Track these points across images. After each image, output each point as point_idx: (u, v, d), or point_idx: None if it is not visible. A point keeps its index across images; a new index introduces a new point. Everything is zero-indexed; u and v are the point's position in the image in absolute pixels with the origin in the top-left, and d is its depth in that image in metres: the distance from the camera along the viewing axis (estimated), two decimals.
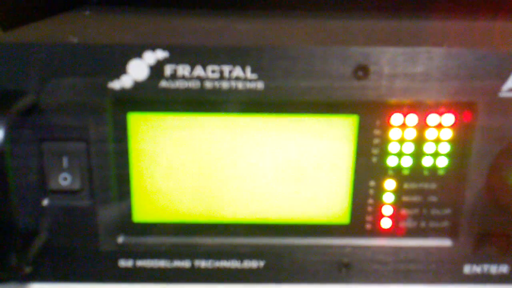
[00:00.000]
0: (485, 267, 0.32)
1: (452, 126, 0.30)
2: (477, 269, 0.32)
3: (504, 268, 0.32)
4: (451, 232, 0.32)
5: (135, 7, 0.42)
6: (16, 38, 0.28)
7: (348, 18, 0.39)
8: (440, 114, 0.29)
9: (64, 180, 0.29)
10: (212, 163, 0.30)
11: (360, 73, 0.28)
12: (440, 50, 0.28)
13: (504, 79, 0.28)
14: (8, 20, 0.35)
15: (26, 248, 0.28)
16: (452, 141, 0.30)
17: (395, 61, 0.28)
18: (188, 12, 0.41)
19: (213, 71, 0.28)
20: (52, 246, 0.30)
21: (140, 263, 0.31)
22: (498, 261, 0.32)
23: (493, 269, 0.32)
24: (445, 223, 0.32)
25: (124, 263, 0.31)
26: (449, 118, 0.29)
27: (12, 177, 0.25)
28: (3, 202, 0.25)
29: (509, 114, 0.29)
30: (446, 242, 0.32)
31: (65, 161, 0.29)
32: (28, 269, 0.27)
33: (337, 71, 0.28)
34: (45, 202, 0.30)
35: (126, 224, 0.31)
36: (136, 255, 0.31)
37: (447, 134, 0.30)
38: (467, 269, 0.32)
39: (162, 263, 0.31)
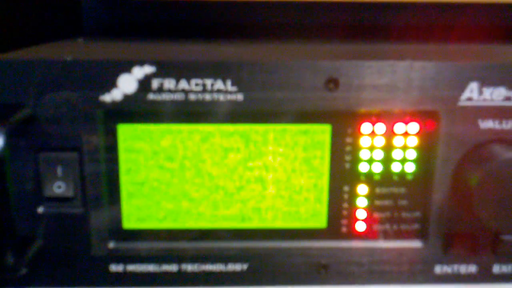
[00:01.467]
0: (455, 267, 0.34)
1: (417, 134, 0.32)
2: (447, 269, 0.34)
3: (472, 268, 0.34)
4: (422, 234, 0.34)
5: (127, 37, 0.45)
6: (13, 56, 0.30)
7: (318, 43, 0.43)
8: (406, 122, 0.32)
9: (59, 188, 0.31)
10: (197, 172, 0.32)
11: (331, 85, 0.31)
12: (403, 64, 0.30)
13: (462, 89, 0.31)
14: (2, 45, 0.37)
15: (23, 252, 0.30)
16: (418, 148, 0.32)
17: (362, 73, 0.30)
18: (175, 40, 0.44)
19: (196, 84, 0.30)
20: (46, 251, 0.32)
21: (130, 267, 0.33)
22: (467, 261, 0.34)
23: (463, 269, 0.34)
24: (416, 226, 0.34)
25: (115, 267, 0.33)
26: (414, 126, 0.32)
27: (11, 182, 0.27)
28: (2, 206, 0.28)
29: (468, 121, 0.31)
30: (417, 244, 0.34)
31: (59, 170, 0.31)
32: (24, 270, 0.29)
33: (310, 83, 0.30)
34: (41, 209, 0.32)
35: (116, 230, 0.33)
36: (126, 260, 0.33)
37: (413, 141, 0.32)
38: (438, 269, 0.34)
39: (151, 267, 0.33)
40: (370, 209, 0.33)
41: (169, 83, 0.30)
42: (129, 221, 0.33)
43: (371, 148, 0.32)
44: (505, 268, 0.34)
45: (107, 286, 0.33)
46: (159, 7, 0.62)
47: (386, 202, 0.33)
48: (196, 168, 0.32)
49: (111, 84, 0.30)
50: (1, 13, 0.38)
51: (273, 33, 0.54)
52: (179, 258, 0.33)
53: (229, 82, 0.30)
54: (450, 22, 0.61)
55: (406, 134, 0.32)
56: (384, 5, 0.60)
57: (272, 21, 0.62)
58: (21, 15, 0.43)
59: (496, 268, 0.34)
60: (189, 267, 0.33)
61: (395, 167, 0.33)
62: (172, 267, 0.33)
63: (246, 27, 0.58)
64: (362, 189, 0.33)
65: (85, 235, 0.32)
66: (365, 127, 0.32)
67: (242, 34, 0.52)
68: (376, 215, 0.34)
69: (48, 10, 0.49)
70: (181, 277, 0.34)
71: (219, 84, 0.30)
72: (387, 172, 0.33)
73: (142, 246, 0.33)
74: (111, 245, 0.33)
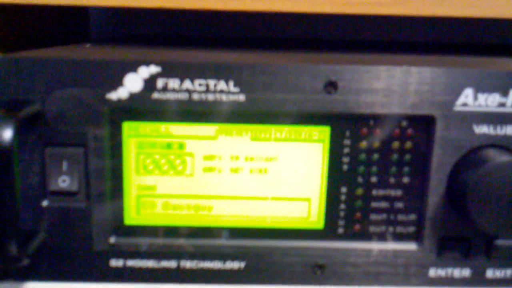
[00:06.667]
0: (449, 271, 0.35)
1: (414, 137, 0.33)
2: (441, 272, 0.35)
3: (466, 272, 0.35)
4: (417, 237, 0.34)
5: (132, 44, 0.46)
6: (23, 55, 0.31)
7: (319, 52, 0.44)
8: (403, 126, 0.33)
9: (63, 182, 0.32)
10: (197, 170, 0.33)
11: (330, 88, 0.31)
12: (400, 69, 0.31)
13: (457, 95, 0.32)
14: (9, 48, 0.39)
15: (26, 244, 0.31)
16: (414, 151, 0.33)
17: (361, 77, 0.31)
18: (180, 47, 0.45)
19: (200, 85, 0.31)
20: (48, 245, 0.33)
21: (130, 263, 0.34)
22: (461, 265, 0.35)
23: (457, 272, 0.35)
24: (411, 228, 0.34)
25: (115, 262, 0.34)
26: (410, 130, 0.33)
27: (18, 175, 0.28)
28: (9, 198, 0.28)
29: (463, 126, 0.32)
30: (412, 246, 0.34)
31: (65, 165, 0.32)
32: (26, 261, 0.30)
33: (310, 86, 0.31)
34: (45, 203, 0.32)
35: (118, 226, 0.34)
36: (126, 255, 0.34)
37: (410, 144, 0.33)
38: (432, 272, 0.35)
39: (150, 263, 0.34)
40: (367, 210, 0.34)
41: (173, 83, 0.31)
42: (130, 217, 0.34)
43: (369, 151, 0.33)
44: (498, 273, 0.35)
45: (107, 282, 0.34)
46: (164, 18, 0.63)
47: (383, 204, 0.34)
48: (197, 167, 0.33)
49: (118, 82, 0.31)
50: (6, 18, 0.39)
51: (275, 45, 0.55)
52: (178, 255, 0.34)
53: (231, 83, 0.31)
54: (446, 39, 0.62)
55: (402, 137, 0.33)
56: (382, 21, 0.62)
57: (275, 35, 0.63)
58: (30, 21, 0.45)
59: (490, 273, 0.35)
60: (188, 264, 0.34)
61: (392, 170, 0.33)
62: (171, 264, 0.34)
63: (249, 39, 0.59)
64: (359, 190, 0.34)
65: (87, 230, 0.33)
66: (363, 130, 0.33)
67: (245, 45, 0.53)
68: (373, 217, 0.34)
69: (56, 18, 0.51)
70: (180, 273, 0.34)
71: (222, 85, 0.31)
72: (384, 175, 0.34)
73: (142, 242, 0.34)
74: (112, 240, 0.34)
